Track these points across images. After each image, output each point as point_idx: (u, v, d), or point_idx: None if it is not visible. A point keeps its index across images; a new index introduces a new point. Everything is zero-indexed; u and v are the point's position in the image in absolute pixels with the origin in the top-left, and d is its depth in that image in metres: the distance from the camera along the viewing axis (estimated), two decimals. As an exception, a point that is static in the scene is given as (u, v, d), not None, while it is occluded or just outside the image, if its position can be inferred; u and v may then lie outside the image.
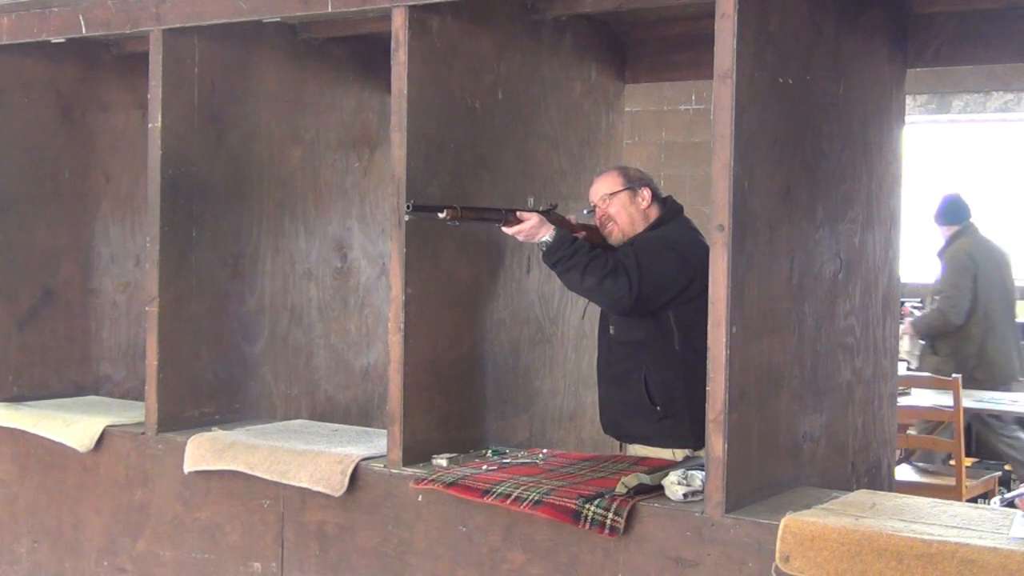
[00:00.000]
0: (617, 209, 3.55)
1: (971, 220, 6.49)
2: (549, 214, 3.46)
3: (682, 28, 4.12)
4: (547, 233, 3.39)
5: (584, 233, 3.53)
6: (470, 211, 3.34)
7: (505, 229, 3.41)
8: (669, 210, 3.61)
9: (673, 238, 3.51)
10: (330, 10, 3.48)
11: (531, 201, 3.53)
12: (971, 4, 3.64)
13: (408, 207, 3.25)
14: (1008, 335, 6.27)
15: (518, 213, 3.40)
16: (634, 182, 3.58)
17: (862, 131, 3.46)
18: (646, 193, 3.57)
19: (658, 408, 3.50)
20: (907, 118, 3.89)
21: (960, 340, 6.29)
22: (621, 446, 3.78)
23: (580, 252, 3.38)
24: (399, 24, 3.34)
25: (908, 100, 4.35)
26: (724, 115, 2.79)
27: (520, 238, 3.43)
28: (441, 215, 3.27)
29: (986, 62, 4.41)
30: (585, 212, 3.64)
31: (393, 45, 3.35)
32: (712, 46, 2.80)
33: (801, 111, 3.10)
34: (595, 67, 4.17)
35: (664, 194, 3.66)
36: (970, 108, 8.34)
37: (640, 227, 3.55)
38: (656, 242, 3.48)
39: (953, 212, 6.52)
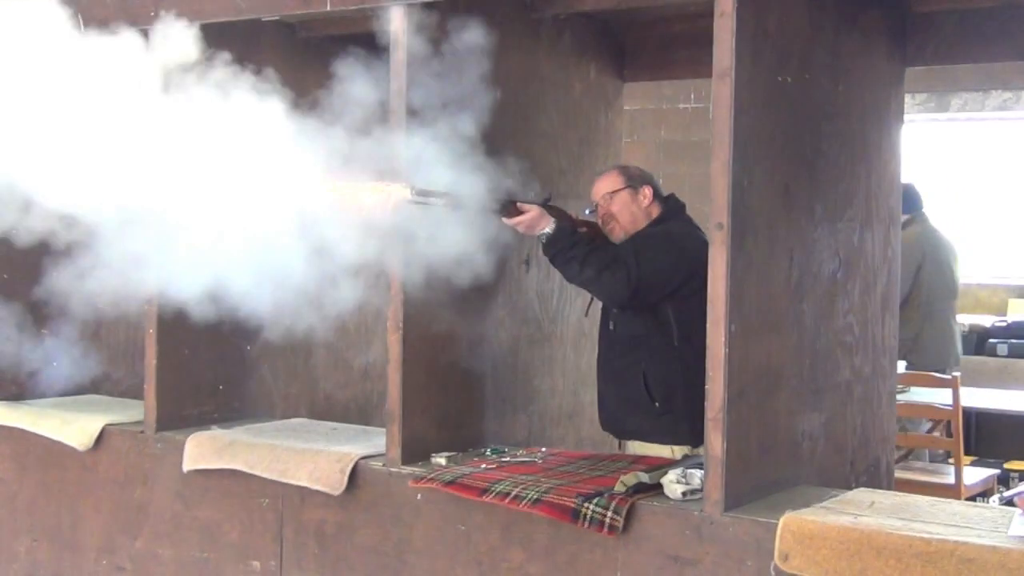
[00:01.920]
0: (619, 207, 3.56)
1: (923, 210, 6.53)
2: (550, 207, 3.47)
3: (681, 27, 4.12)
4: (547, 225, 3.40)
5: (585, 228, 3.54)
6: (470, 199, 3.33)
7: (506, 220, 3.42)
8: (670, 208, 3.62)
9: (672, 233, 3.52)
10: (329, 9, 3.48)
11: (531, 195, 3.53)
12: (970, 3, 3.64)
13: (411, 191, 3.25)
14: (946, 324, 6.36)
15: (519, 204, 3.41)
16: (635, 180, 3.59)
17: (861, 130, 3.46)
18: (647, 191, 3.58)
19: (656, 404, 3.50)
20: (906, 116, 3.89)
21: (899, 324, 6.38)
22: (620, 444, 3.79)
23: (579, 245, 3.39)
24: (397, 23, 3.34)
25: (907, 99, 4.33)
26: (723, 114, 2.79)
27: (521, 229, 3.43)
28: (441, 202, 3.27)
29: (985, 60, 4.40)
30: (587, 211, 3.64)
31: (392, 44, 3.35)
32: (711, 45, 2.80)
33: (800, 110, 3.10)
34: (594, 66, 4.17)
35: (665, 192, 3.67)
36: (969, 106, 8.34)
37: (642, 225, 3.57)
38: (655, 236, 3.50)
39: (905, 202, 6.58)
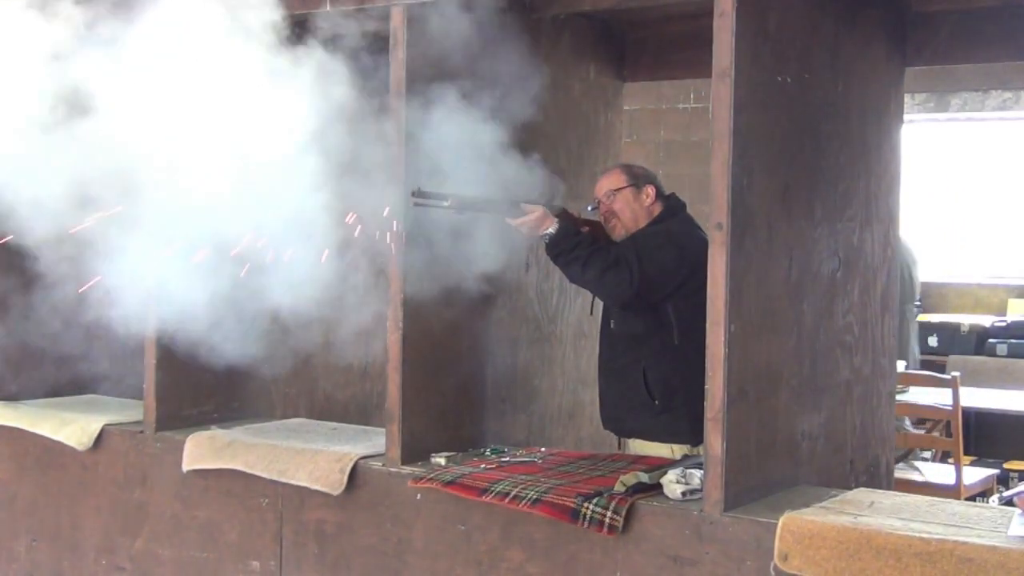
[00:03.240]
0: (621, 205, 3.57)
1: None
2: (553, 208, 3.48)
3: (681, 27, 4.12)
4: (550, 226, 3.41)
5: (588, 228, 3.55)
6: (474, 201, 3.34)
7: (509, 221, 3.43)
8: (671, 207, 3.63)
9: (674, 232, 3.53)
10: (328, 9, 3.48)
11: (534, 196, 3.54)
12: (970, 3, 3.64)
13: (413, 193, 3.25)
14: (905, 326, 6.42)
15: (522, 205, 3.42)
16: (638, 179, 3.61)
17: (861, 130, 3.46)
18: (650, 190, 3.59)
19: (656, 402, 3.51)
20: (906, 116, 3.89)
21: None
22: (620, 443, 3.79)
23: (582, 245, 3.40)
24: (397, 23, 3.34)
25: (907, 99, 4.34)
26: (723, 114, 2.79)
27: (524, 231, 3.44)
28: (445, 203, 3.27)
29: (985, 60, 4.40)
30: (589, 208, 3.65)
31: (391, 43, 3.35)
32: (711, 45, 2.81)
33: (800, 110, 3.10)
34: (594, 66, 4.17)
35: (667, 191, 3.68)
36: (969, 106, 8.35)
37: (643, 223, 3.58)
38: (656, 236, 3.51)
39: None
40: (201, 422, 3.94)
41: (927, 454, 6.33)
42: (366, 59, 3.44)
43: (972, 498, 5.35)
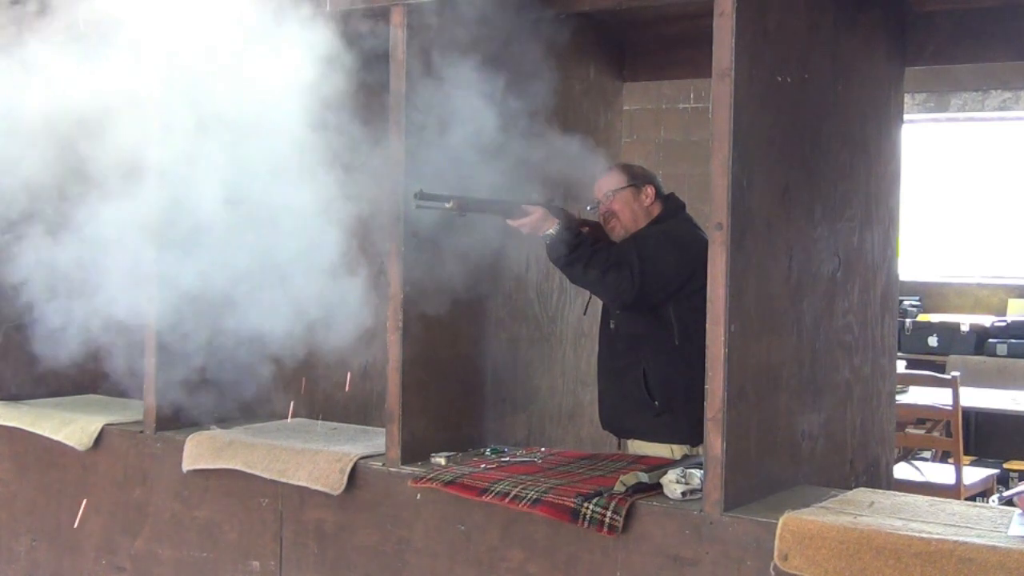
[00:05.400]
0: (620, 206, 3.57)
1: None
2: (554, 208, 3.48)
3: (680, 27, 4.12)
4: (551, 226, 3.41)
5: (588, 228, 3.55)
6: (476, 202, 3.35)
7: (510, 222, 3.43)
8: (671, 207, 3.63)
9: (674, 233, 3.53)
10: (328, 9, 3.48)
11: (534, 197, 3.54)
12: (970, 3, 3.64)
13: (416, 195, 3.26)
14: None
15: (523, 206, 3.42)
16: (638, 179, 3.61)
17: (861, 130, 3.46)
18: (649, 190, 3.60)
19: (656, 403, 3.51)
20: (906, 116, 3.89)
21: None
22: (619, 443, 3.79)
23: (583, 246, 3.40)
24: (397, 23, 3.34)
25: (907, 99, 4.35)
26: (723, 114, 2.79)
27: (524, 231, 3.44)
28: (447, 205, 3.28)
29: (985, 60, 4.41)
30: (588, 208, 3.65)
31: (391, 43, 3.35)
32: (711, 45, 2.80)
33: (799, 110, 3.10)
34: (593, 66, 4.17)
35: (666, 191, 3.68)
36: (968, 106, 8.35)
37: (643, 223, 3.58)
38: (657, 236, 3.51)
39: None
40: (201, 422, 3.94)
41: (927, 454, 6.33)
42: (369, 58, 3.45)
43: (972, 498, 5.35)
